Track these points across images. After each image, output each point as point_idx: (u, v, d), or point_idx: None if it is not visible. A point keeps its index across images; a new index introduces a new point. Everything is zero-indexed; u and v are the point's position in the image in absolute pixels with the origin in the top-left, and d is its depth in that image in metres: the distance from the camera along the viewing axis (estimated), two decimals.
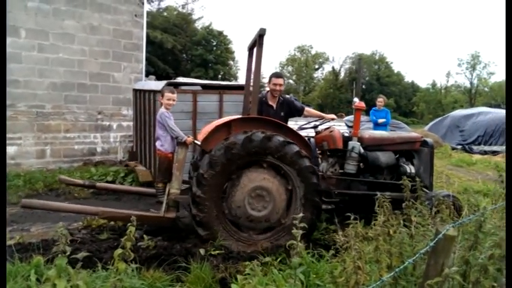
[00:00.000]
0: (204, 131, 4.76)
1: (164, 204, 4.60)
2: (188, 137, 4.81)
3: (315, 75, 55.67)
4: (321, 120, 5.66)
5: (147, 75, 16.61)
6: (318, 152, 5.52)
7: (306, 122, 5.95)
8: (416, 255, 2.14)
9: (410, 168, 5.13)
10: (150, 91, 7.43)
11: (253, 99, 4.52)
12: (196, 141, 4.70)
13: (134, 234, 4.36)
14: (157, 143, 4.87)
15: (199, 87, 7.89)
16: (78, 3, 9.04)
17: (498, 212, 3.72)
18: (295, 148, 4.27)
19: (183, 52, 40.45)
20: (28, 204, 4.45)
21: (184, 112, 7.05)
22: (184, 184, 4.97)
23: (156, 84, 7.44)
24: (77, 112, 9.28)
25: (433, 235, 2.10)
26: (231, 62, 46.75)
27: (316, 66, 55.70)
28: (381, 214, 2.93)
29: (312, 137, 5.53)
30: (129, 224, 2.07)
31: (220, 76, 42.41)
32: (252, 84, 4.75)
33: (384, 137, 5.45)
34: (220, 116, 7.42)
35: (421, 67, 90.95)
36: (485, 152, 14.47)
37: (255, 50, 4.54)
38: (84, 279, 2.01)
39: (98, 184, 5.75)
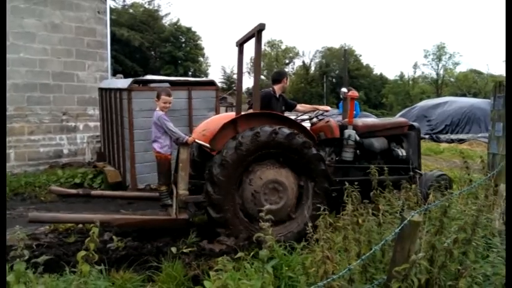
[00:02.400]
0: (202, 129, 4.83)
1: (174, 206, 4.50)
2: (189, 136, 4.70)
3: (286, 70, 55.97)
4: (315, 113, 5.82)
5: (114, 74, 16.24)
6: None
7: (297, 116, 5.99)
8: (382, 242, 2.16)
9: (401, 152, 5.41)
10: (116, 90, 7.24)
11: (255, 94, 4.56)
12: (198, 141, 4.63)
13: (103, 236, 4.32)
14: (156, 146, 4.71)
15: (167, 84, 7.78)
16: (38, 1, 8.70)
17: (463, 198, 3.84)
18: (302, 138, 4.37)
19: (151, 49, 39.81)
20: (35, 219, 4.24)
21: (153, 110, 6.88)
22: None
23: (123, 83, 7.27)
24: (40, 113, 8.95)
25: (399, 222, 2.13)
26: (201, 59, 46.39)
27: (287, 61, 56.03)
28: (349, 204, 2.96)
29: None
30: (92, 225, 2.00)
31: (190, 73, 42.03)
32: (251, 80, 4.87)
33: (376, 124, 5.70)
34: (190, 113, 7.35)
35: (389, 59, 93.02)
36: (452, 141, 14.94)
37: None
38: (46, 284, 1.92)
39: (93, 192, 5.50)
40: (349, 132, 5.20)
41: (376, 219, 2.95)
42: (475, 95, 35.44)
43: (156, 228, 4.55)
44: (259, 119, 4.45)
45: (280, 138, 4.28)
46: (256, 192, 4.35)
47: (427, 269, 2.39)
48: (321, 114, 5.75)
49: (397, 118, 6.45)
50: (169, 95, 4.77)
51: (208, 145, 4.51)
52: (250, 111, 4.99)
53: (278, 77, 5.73)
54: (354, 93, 5.46)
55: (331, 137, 5.27)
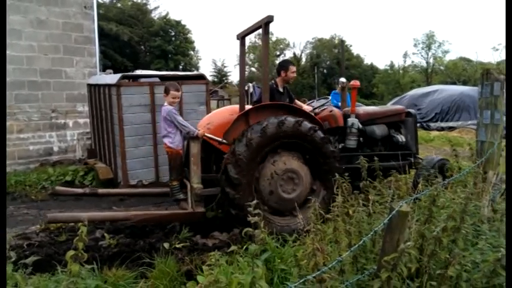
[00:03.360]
0: (206, 123, 4.91)
1: (190, 200, 4.54)
2: (199, 130, 4.71)
3: (277, 61, 55.79)
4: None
5: (104, 69, 16.06)
6: None
7: None
8: (371, 233, 2.17)
9: (401, 138, 5.57)
10: (105, 85, 7.18)
11: (264, 87, 4.66)
12: (207, 135, 4.65)
13: (95, 234, 4.30)
14: (167, 141, 4.73)
15: (157, 79, 7.71)
16: None
17: (452, 186, 3.87)
18: (309, 124, 4.48)
19: (140, 44, 39.46)
20: (54, 219, 4.20)
21: (142, 105, 6.87)
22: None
23: (111, 78, 7.19)
24: (29, 111, 8.84)
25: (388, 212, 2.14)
26: (192, 52, 46.06)
27: (278, 53, 55.79)
28: (339, 195, 2.97)
29: None
30: (80, 224, 1.99)
31: (181, 67, 41.76)
32: (263, 71, 4.79)
33: (376, 111, 5.83)
34: (180, 107, 7.30)
35: (379, 49, 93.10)
36: (442, 129, 15.05)
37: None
38: (35, 284, 1.91)
39: (100, 191, 5.44)
40: (352, 120, 5.33)
41: (367, 209, 2.97)
42: (464, 83, 35.63)
43: (145, 225, 4.55)
44: (271, 110, 4.53)
45: (303, 128, 4.40)
46: (273, 179, 4.41)
47: (417, 258, 2.42)
48: (323, 105, 5.92)
49: (395, 105, 6.56)
50: (177, 90, 4.81)
51: (218, 138, 4.58)
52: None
53: (278, 69, 5.78)
54: (356, 82, 5.60)
55: (335, 126, 5.37)
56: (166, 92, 4.77)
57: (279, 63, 6.17)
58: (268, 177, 4.43)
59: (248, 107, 4.89)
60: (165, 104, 4.79)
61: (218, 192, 4.47)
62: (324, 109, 5.74)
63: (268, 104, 4.61)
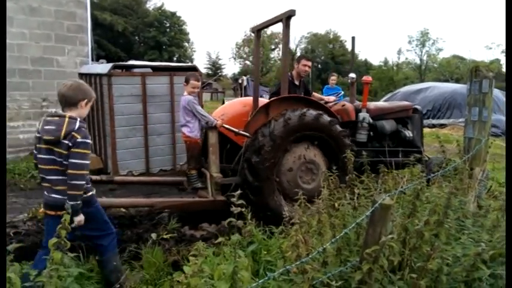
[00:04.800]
0: (220, 114, 5.05)
1: (210, 189, 4.62)
2: (217, 120, 4.78)
3: (272, 55, 55.64)
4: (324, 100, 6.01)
5: (97, 59, 15.93)
6: None
7: None
8: (353, 225, 2.20)
9: (408, 133, 5.70)
10: (96, 75, 7.12)
11: (283, 79, 4.74)
12: (226, 126, 4.73)
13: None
14: (185, 130, 4.80)
15: (149, 70, 7.66)
16: None
17: (438, 181, 3.90)
18: (328, 117, 4.65)
19: (135, 34, 39.15)
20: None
21: (134, 95, 6.82)
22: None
23: (102, 68, 7.14)
24: (19, 99, 8.75)
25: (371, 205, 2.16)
26: (186, 44, 45.80)
27: (273, 47, 55.61)
28: (325, 188, 2.99)
29: None
30: (63, 212, 1.98)
31: (175, 58, 41.54)
32: (282, 65, 4.93)
33: (386, 107, 5.98)
34: (172, 99, 7.27)
35: (374, 45, 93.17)
36: (433, 126, 15.15)
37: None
38: (16, 271, 1.91)
39: (116, 178, 5.40)
40: (364, 115, 5.46)
41: (352, 202, 2.99)
42: (457, 81, 35.86)
43: (133, 215, 4.56)
44: (290, 102, 4.66)
45: (323, 121, 4.57)
46: (293, 170, 4.54)
47: (400, 251, 2.45)
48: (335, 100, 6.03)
49: (403, 102, 6.70)
50: (198, 80, 4.88)
51: (234, 129, 4.68)
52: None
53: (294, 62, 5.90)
54: (368, 78, 5.73)
55: (347, 120, 5.45)
56: (187, 81, 4.84)
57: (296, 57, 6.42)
58: (288, 167, 4.57)
59: (246, 98, 4.97)
60: (185, 93, 4.86)
61: (237, 181, 4.58)
62: (336, 103, 5.82)
63: (288, 96, 4.75)
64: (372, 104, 5.82)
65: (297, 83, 5.73)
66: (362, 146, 5.33)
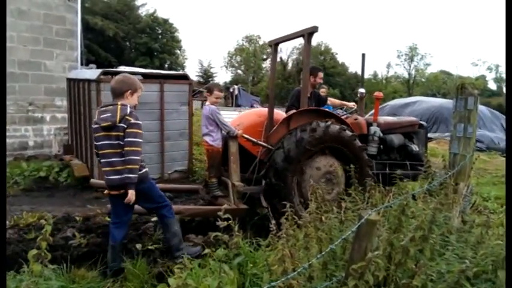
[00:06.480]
0: (236, 124, 5.19)
1: (232, 197, 4.69)
2: (238, 130, 4.90)
3: (264, 65, 55.84)
4: (342, 110, 6.31)
5: (87, 64, 15.80)
6: None
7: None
8: (339, 240, 2.19)
9: (415, 147, 5.91)
10: (84, 80, 7.06)
11: (304, 93, 4.94)
12: (245, 136, 4.85)
13: (66, 232, 4.20)
14: (208, 139, 4.87)
15: (139, 76, 7.62)
16: None
17: (424, 196, 3.93)
18: (350, 132, 4.82)
19: (126, 40, 39.00)
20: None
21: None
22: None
23: (91, 74, 7.08)
24: None
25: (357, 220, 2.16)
26: (178, 51, 45.74)
27: (264, 57, 55.83)
28: (312, 201, 2.98)
29: None
30: (44, 223, 1.93)
31: (166, 65, 41.41)
32: (303, 79, 5.08)
33: (395, 122, 6.15)
34: (162, 107, 7.23)
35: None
36: None
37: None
38: None
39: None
40: (375, 128, 5.62)
41: (339, 216, 2.99)
42: (444, 95, 36.44)
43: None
44: (310, 115, 4.84)
45: (345, 135, 4.74)
46: (314, 180, 4.61)
47: (385, 266, 2.44)
48: (348, 111, 6.27)
49: (409, 117, 6.89)
50: (221, 91, 5.06)
51: (253, 139, 4.84)
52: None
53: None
54: (379, 94, 5.92)
55: (359, 133, 5.56)
56: (210, 91, 4.95)
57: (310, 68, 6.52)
58: (310, 176, 4.69)
59: (261, 109, 4.98)
60: (207, 103, 4.97)
61: (257, 190, 4.74)
62: (348, 117, 5.96)
63: (309, 109, 4.96)
64: (382, 119, 6.02)
65: (308, 95, 5.87)
66: (372, 159, 5.52)
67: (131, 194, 3.28)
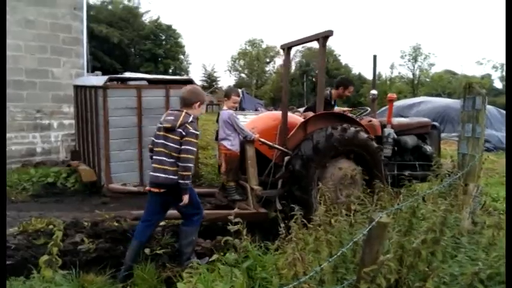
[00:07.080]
0: (251, 127, 5.12)
1: (251, 201, 4.74)
2: (255, 135, 4.94)
3: (267, 68, 55.95)
4: (359, 113, 6.18)
5: (93, 71, 15.90)
6: None
7: None
8: (350, 244, 2.17)
9: (429, 148, 5.91)
10: (91, 87, 7.11)
11: (319, 97, 4.95)
12: (262, 140, 4.89)
13: (74, 238, 4.21)
14: (226, 143, 4.92)
15: (145, 82, 7.66)
16: None
17: (434, 197, 3.90)
18: (365, 134, 4.86)
19: (130, 46, 39.21)
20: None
21: (129, 108, 6.81)
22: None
23: (98, 80, 7.13)
24: (13, 111, 8.68)
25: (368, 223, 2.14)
26: (182, 57, 45.93)
27: (268, 60, 55.93)
28: (321, 204, 2.97)
29: None
30: (55, 229, 1.94)
31: (171, 71, 41.58)
32: (319, 82, 5.09)
33: (409, 123, 6.18)
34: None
35: (367, 59, 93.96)
36: None
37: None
38: None
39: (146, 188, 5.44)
40: (389, 130, 5.62)
41: (348, 219, 2.97)
42: (449, 95, 36.21)
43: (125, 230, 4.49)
44: (327, 119, 4.87)
45: (362, 137, 4.78)
46: (332, 185, 4.67)
47: (396, 269, 2.42)
48: (363, 114, 6.19)
49: (423, 118, 6.85)
50: (238, 96, 5.12)
51: (269, 143, 4.88)
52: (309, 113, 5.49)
53: (337, 84, 6.10)
54: (392, 95, 5.96)
55: (374, 135, 5.57)
56: (228, 96, 5.01)
57: (342, 78, 6.86)
58: (329, 179, 4.71)
59: (274, 113, 5.23)
60: (224, 107, 5.02)
61: (274, 194, 4.77)
62: (362, 119, 5.92)
63: (326, 113, 5.00)
64: (395, 120, 6.03)
65: (332, 102, 6.00)
66: (387, 161, 5.54)
67: (186, 198, 3.52)
